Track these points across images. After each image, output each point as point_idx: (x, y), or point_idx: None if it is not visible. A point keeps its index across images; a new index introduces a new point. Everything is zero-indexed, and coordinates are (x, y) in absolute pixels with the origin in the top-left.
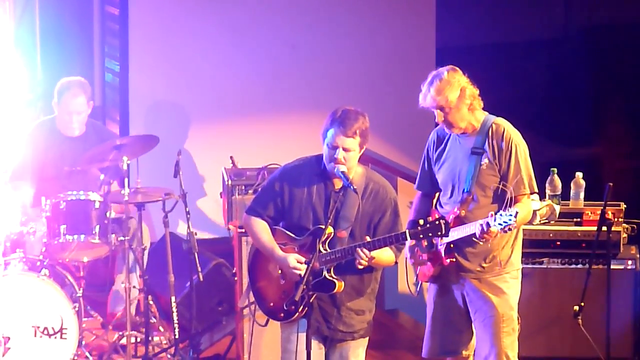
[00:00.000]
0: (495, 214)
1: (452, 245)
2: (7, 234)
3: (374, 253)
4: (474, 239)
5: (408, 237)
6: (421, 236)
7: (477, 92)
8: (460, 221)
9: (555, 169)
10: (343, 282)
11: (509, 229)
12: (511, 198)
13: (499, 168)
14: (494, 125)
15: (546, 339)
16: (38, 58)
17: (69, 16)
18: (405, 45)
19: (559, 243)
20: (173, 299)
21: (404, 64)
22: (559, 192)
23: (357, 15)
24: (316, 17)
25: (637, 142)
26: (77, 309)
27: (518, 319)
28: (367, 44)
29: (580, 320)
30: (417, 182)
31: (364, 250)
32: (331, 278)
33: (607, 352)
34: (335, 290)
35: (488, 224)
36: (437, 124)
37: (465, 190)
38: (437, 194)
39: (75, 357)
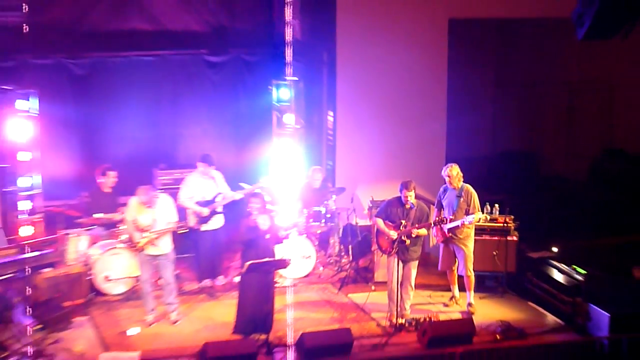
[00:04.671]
0: (466, 216)
1: (449, 229)
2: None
3: (420, 230)
4: (462, 226)
5: (432, 224)
6: (439, 224)
7: (462, 175)
8: (452, 221)
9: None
10: (409, 240)
11: (471, 222)
12: (471, 213)
13: (467, 202)
14: (464, 186)
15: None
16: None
17: None
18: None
19: None
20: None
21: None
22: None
23: None
24: None
25: None
26: (315, 247)
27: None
28: None
29: None
30: (435, 205)
31: (417, 227)
32: (405, 239)
33: None
34: (407, 244)
35: (463, 221)
36: (444, 183)
37: (454, 210)
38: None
39: (312, 269)
